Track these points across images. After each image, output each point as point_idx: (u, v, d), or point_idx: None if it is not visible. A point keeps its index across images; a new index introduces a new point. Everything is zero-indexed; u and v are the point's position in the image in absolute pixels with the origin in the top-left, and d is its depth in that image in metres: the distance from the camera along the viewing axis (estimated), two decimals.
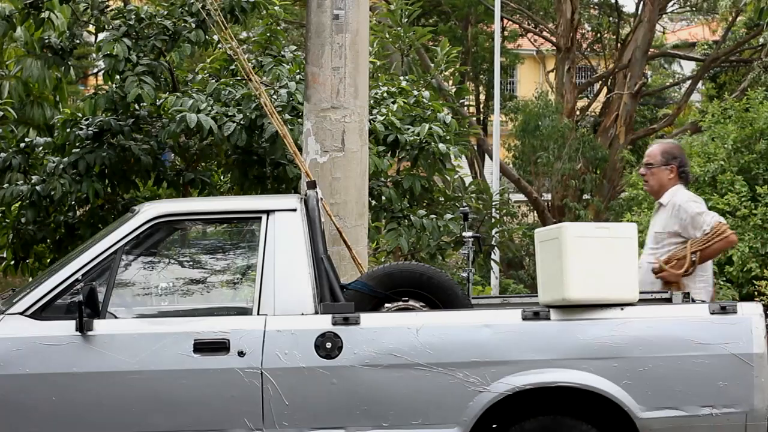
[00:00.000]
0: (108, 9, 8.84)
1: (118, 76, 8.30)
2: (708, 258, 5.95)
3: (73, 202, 8.80)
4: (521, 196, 22.19)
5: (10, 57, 12.24)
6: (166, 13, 8.48)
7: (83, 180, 8.32)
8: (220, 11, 8.38)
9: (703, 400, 4.66)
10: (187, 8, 8.44)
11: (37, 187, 8.50)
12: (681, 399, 4.66)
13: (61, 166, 8.43)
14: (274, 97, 8.15)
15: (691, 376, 4.66)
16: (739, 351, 4.65)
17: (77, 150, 8.45)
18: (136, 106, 8.70)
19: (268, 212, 4.95)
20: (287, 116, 8.05)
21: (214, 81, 8.70)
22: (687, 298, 5.60)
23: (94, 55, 19.36)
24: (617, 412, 4.69)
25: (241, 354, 4.65)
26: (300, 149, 6.56)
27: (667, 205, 5.99)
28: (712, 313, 4.73)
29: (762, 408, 4.67)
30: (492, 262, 12.69)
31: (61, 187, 8.25)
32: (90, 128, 8.47)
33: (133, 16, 8.36)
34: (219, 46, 9.33)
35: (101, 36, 8.85)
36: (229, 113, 8.10)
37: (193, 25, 8.39)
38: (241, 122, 7.99)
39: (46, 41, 8.79)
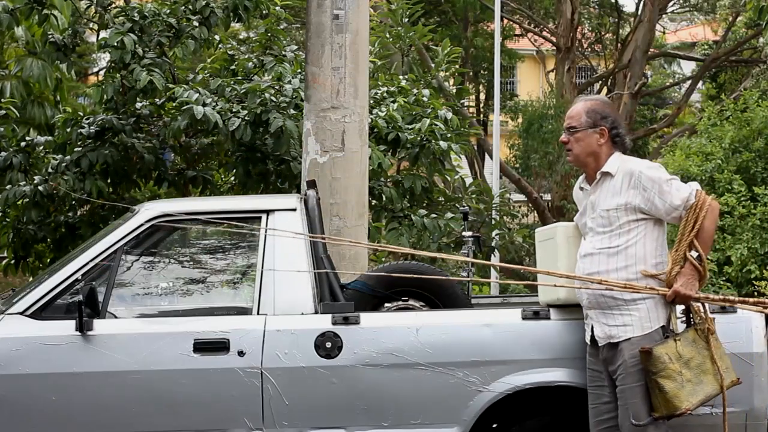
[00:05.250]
0: (111, 5, 8.87)
1: (119, 73, 8.32)
2: (709, 242, 4.51)
3: (74, 202, 8.81)
4: (522, 196, 22.19)
5: (11, 57, 12.26)
6: (169, 11, 8.50)
7: (86, 178, 8.33)
8: (224, 9, 8.41)
9: None
10: (190, 6, 8.46)
11: (40, 187, 8.50)
12: None
13: (64, 164, 8.43)
14: (279, 93, 8.18)
15: None
16: (739, 350, 4.64)
17: (79, 148, 8.47)
18: (137, 105, 8.71)
19: (267, 212, 4.96)
20: (291, 111, 8.07)
21: (215, 80, 8.72)
22: None
23: (94, 54, 19.38)
24: None
25: (241, 354, 4.65)
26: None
27: (616, 175, 4.57)
28: (711, 313, 4.72)
29: (762, 407, 4.67)
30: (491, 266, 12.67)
31: (65, 183, 8.26)
32: (92, 127, 8.49)
33: (136, 14, 8.38)
34: (220, 45, 9.34)
35: (104, 34, 8.87)
36: (233, 109, 8.13)
37: (196, 24, 8.41)
38: (246, 118, 8.01)
39: (50, 38, 8.82)
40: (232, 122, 7.97)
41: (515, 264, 23.02)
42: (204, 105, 7.89)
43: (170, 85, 8.40)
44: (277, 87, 8.30)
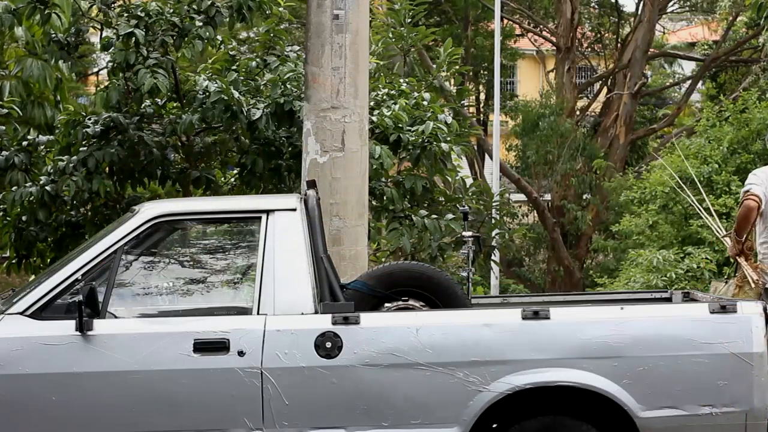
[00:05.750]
0: (114, 4, 8.85)
1: (125, 71, 8.31)
2: (740, 228, 6.19)
3: (75, 202, 8.81)
4: (522, 196, 22.20)
5: (11, 57, 12.25)
6: (172, 11, 8.49)
7: (93, 177, 8.33)
8: (228, 9, 8.41)
9: (703, 399, 4.66)
10: (195, 6, 8.45)
11: (47, 188, 8.50)
12: (681, 398, 4.66)
13: (71, 165, 8.44)
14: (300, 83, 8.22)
15: (691, 375, 4.66)
16: (739, 350, 4.65)
17: (84, 148, 8.46)
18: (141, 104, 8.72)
19: (267, 212, 4.96)
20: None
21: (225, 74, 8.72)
22: (687, 297, 5.62)
23: (95, 54, 19.36)
24: (617, 412, 4.69)
25: (241, 354, 4.65)
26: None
27: None
28: (711, 312, 4.73)
29: (762, 407, 4.67)
30: (492, 263, 12.68)
31: (74, 184, 8.26)
32: (96, 126, 8.50)
33: (141, 12, 8.37)
34: (222, 46, 9.34)
35: (105, 33, 8.86)
36: (250, 102, 8.16)
37: (200, 24, 8.40)
38: (267, 110, 8.03)
39: (53, 37, 8.81)
40: (252, 113, 7.99)
41: (514, 264, 22.99)
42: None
43: (188, 74, 8.39)
44: (296, 78, 8.31)
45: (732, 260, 6.58)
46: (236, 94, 7.90)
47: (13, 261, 9.20)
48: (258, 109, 8.05)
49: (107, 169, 8.52)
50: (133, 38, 8.10)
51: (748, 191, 6.20)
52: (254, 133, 8.25)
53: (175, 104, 8.78)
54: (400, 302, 5.17)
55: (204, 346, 4.65)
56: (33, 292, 4.79)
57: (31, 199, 8.59)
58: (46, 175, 8.66)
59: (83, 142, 8.52)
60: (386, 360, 4.64)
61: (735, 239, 6.26)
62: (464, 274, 6.37)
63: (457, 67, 10.85)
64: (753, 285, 6.03)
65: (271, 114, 8.04)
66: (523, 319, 4.72)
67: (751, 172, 6.47)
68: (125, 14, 8.46)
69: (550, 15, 25.13)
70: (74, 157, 8.48)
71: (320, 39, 6.46)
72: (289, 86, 8.15)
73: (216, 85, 8.05)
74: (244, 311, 4.83)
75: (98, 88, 9.37)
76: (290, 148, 8.37)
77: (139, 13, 8.33)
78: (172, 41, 8.39)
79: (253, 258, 5.00)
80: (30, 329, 4.69)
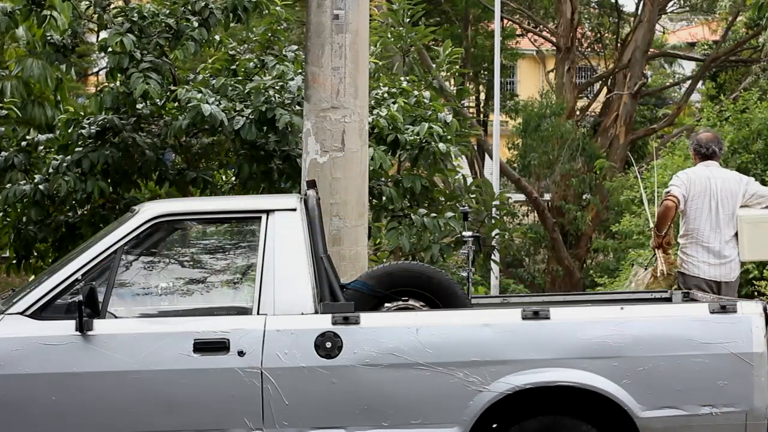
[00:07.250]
0: (110, 6, 8.84)
1: (121, 74, 8.31)
2: (660, 224, 6.75)
3: (74, 202, 8.80)
4: (522, 196, 22.19)
5: (11, 57, 12.25)
6: (168, 11, 8.48)
7: (87, 178, 8.32)
8: (223, 10, 8.40)
9: (703, 399, 4.67)
10: (190, 7, 8.44)
11: (40, 186, 8.50)
12: (681, 398, 4.66)
13: (65, 165, 8.43)
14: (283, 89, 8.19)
15: (691, 375, 4.66)
16: (739, 350, 4.66)
17: (80, 149, 8.46)
18: (138, 106, 8.70)
19: (267, 212, 4.96)
20: (297, 108, 8.07)
21: (218, 79, 8.71)
22: (687, 297, 5.63)
23: (95, 54, 19.36)
24: (617, 412, 4.69)
25: (241, 354, 4.65)
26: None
27: None
28: (711, 312, 4.73)
29: (762, 407, 4.68)
30: (492, 262, 12.69)
31: (66, 184, 8.25)
32: (92, 127, 8.48)
33: (135, 14, 8.36)
34: (220, 46, 9.34)
35: (103, 34, 8.85)
36: (237, 108, 8.13)
37: (196, 24, 8.39)
38: (250, 116, 8.02)
39: (49, 39, 8.80)
40: (236, 121, 7.98)
41: (514, 264, 23.02)
42: (207, 103, 7.91)
43: (172, 87, 8.39)
44: (280, 84, 8.30)
45: (651, 251, 7.20)
46: (208, 109, 7.82)
47: (13, 261, 9.20)
48: (242, 116, 8.04)
49: (103, 170, 8.50)
50: (126, 43, 8.09)
51: (668, 192, 6.70)
52: (242, 139, 8.22)
53: (175, 104, 8.77)
54: (400, 302, 5.17)
55: (204, 346, 4.65)
56: (33, 292, 4.80)
57: (24, 198, 8.58)
58: (43, 174, 8.65)
59: (79, 143, 8.52)
60: (386, 360, 4.64)
61: (655, 233, 6.82)
62: (464, 274, 6.38)
63: (457, 67, 10.85)
64: (663, 276, 6.68)
65: (255, 121, 8.03)
66: (523, 319, 4.72)
67: (675, 175, 6.96)
68: (120, 16, 8.44)
69: (550, 15, 25.12)
70: (68, 157, 8.47)
71: (320, 39, 6.46)
72: (271, 92, 8.13)
73: (198, 93, 8.01)
74: (244, 311, 4.83)
75: (95, 92, 9.35)
76: (279, 153, 8.36)
77: (133, 16, 8.31)
78: (167, 43, 8.38)
79: (253, 258, 5.00)
80: (30, 329, 4.70)
